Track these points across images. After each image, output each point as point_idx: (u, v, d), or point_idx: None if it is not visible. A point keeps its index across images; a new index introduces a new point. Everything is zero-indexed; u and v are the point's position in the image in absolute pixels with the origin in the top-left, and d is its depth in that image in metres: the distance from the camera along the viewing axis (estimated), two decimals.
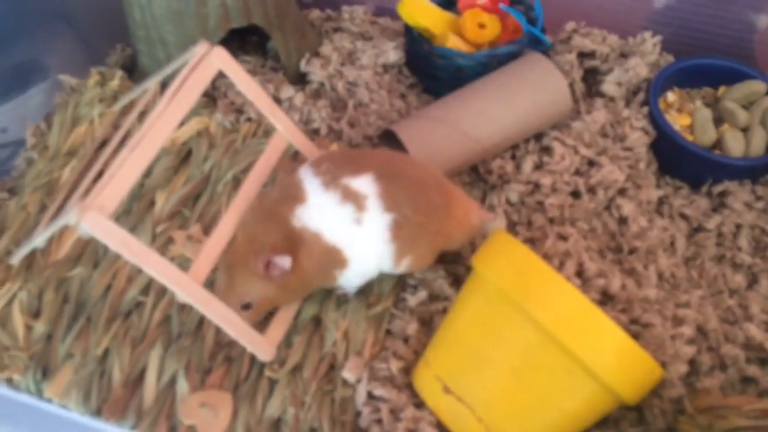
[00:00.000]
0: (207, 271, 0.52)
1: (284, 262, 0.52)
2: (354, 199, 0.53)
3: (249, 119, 0.72)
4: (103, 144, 0.69)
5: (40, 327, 0.58)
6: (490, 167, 0.68)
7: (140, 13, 0.69)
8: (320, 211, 0.53)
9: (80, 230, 0.46)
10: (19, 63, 0.88)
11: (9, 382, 0.57)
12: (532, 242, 0.64)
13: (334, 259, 0.54)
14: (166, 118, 0.51)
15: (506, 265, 0.51)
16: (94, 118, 0.71)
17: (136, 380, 0.56)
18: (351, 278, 0.57)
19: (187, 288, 0.50)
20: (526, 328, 0.48)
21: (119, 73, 0.74)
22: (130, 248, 0.48)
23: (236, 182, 0.67)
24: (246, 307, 0.54)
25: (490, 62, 0.70)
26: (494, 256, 0.53)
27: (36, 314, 0.59)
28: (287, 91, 0.74)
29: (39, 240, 0.53)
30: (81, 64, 0.91)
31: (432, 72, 0.73)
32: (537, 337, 0.48)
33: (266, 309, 0.56)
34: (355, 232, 0.54)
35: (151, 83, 0.63)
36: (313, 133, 0.71)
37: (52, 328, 0.58)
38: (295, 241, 0.53)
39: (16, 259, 0.59)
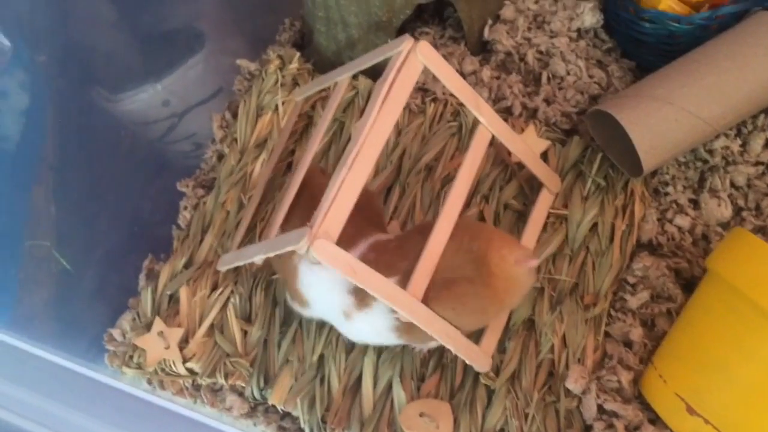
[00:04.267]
0: (424, 286, 0.50)
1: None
2: None
3: (434, 99, 0.68)
4: (291, 135, 0.68)
5: (255, 332, 0.59)
6: (712, 146, 0.60)
7: None
8: None
9: (309, 258, 0.45)
10: (175, 29, 0.88)
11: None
12: (762, 232, 0.58)
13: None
14: (378, 129, 0.48)
15: (758, 274, 0.46)
16: (279, 106, 0.69)
17: (353, 387, 0.57)
18: None
19: (409, 307, 0.49)
20: None
21: (297, 55, 0.71)
22: (356, 272, 0.46)
23: (428, 172, 0.64)
24: None
25: (709, 25, 0.61)
26: (741, 262, 0.47)
27: (247, 318, 0.60)
28: (471, 63, 0.69)
29: (257, 258, 0.53)
30: (234, 33, 0.90)
31: (637, 37, 0.65)
32: None
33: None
34: None
35: (343, 77, 0.59)
36: (505, 112, 0.66)
37: (267, 333, 0.59)
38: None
39: (224, 267, 0.59)
